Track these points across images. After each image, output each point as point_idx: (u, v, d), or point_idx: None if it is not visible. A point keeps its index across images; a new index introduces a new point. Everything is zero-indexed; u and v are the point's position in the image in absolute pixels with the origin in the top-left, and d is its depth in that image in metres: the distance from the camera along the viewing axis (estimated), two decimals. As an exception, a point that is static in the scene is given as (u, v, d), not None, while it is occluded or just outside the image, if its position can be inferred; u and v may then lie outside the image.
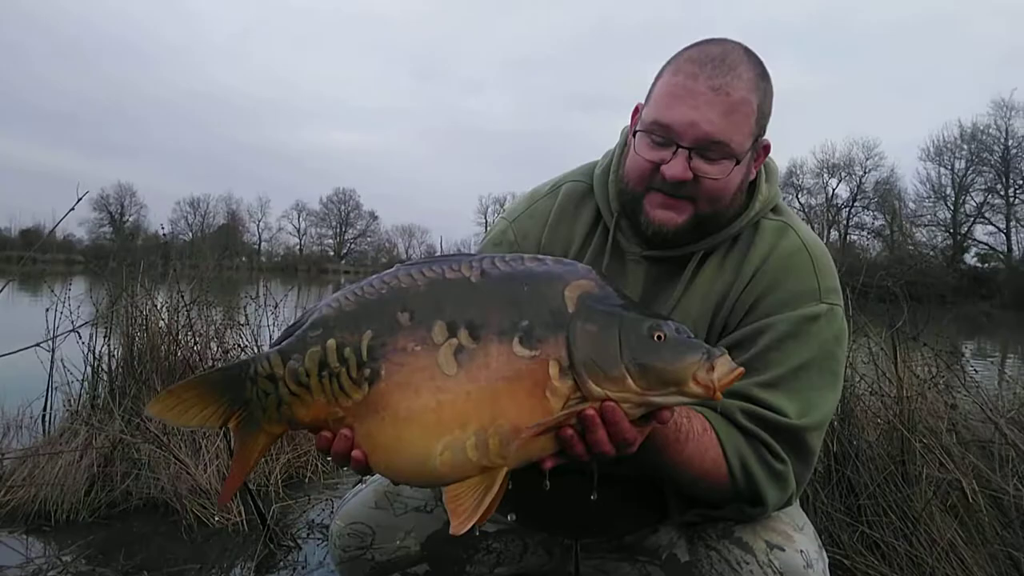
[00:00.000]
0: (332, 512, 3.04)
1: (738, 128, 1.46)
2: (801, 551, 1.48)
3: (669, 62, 1.54)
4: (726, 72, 1.45)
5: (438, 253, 1.29)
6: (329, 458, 1.25)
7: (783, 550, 1.47)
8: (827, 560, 1.55)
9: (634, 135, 1.53)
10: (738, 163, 1.48)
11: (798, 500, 1.71)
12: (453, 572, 1.88)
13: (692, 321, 1.54)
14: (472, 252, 1.30)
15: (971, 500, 2.49)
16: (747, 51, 1.51)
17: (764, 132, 1.55)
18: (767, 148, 1.58)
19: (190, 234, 69.57)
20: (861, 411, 2.78)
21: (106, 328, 3.64)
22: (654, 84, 1.55)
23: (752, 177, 1.58)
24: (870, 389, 2.90)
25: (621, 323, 1.17)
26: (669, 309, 1.57)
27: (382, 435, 1.18)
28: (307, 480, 3.46)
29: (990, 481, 2.63)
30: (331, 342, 1.20)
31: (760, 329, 1.50)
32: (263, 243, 75.00)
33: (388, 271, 1.27)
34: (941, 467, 2.60)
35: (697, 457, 1.40)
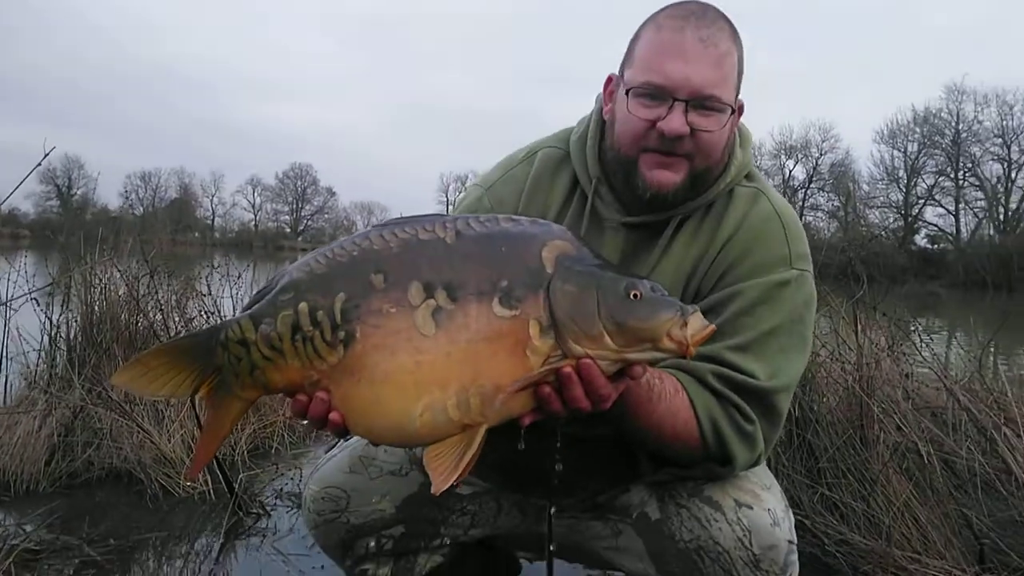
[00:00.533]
0: (300, 480, 3.03)
1: (726, 80, 1.49)
2: (769, 509, 1.52)
3: (646, 23, 1.54)
4: (710, 24, 1.47)
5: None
6: (305, 421, 1.24)
7: (751, 508, 1.51)
8: (793, 519, 1.60)
9: (626, 94, 1.52)
10: (732, 113, 1.51)
11: (765, 461, 1.76)
12: (428, 534, 1.89)
13: (667, 286, 1.56)
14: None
15: (926, 463, 2.59)
16: (718, 8, 1.53)
17: (740, 90, 1.57)
18: (742, 108, 1.60)
19: (141, 208, 67.96)
20: (822, 377, 2.86)
21: (64, 296, 3.56)
22: (633, 46, 1.56)
23: (733, 138, 1.60)
24: (831, 356, 2.98)
25: (599, 283, 1.19)
26: (646, 275, 1.59)
27: (360, 398, 1.18)
28: (273, 450, 3.44)
29: (943, 445, 2.73)
30: (303, 305, 1.19)
31: (732, 294, 1.53)
32: (217, 218, 73.46)
33: (358, 233, 1.26)
34: (898, 431, 2.69)
35: (669, 417, 1.43)
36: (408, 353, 1.15)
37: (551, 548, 1.73)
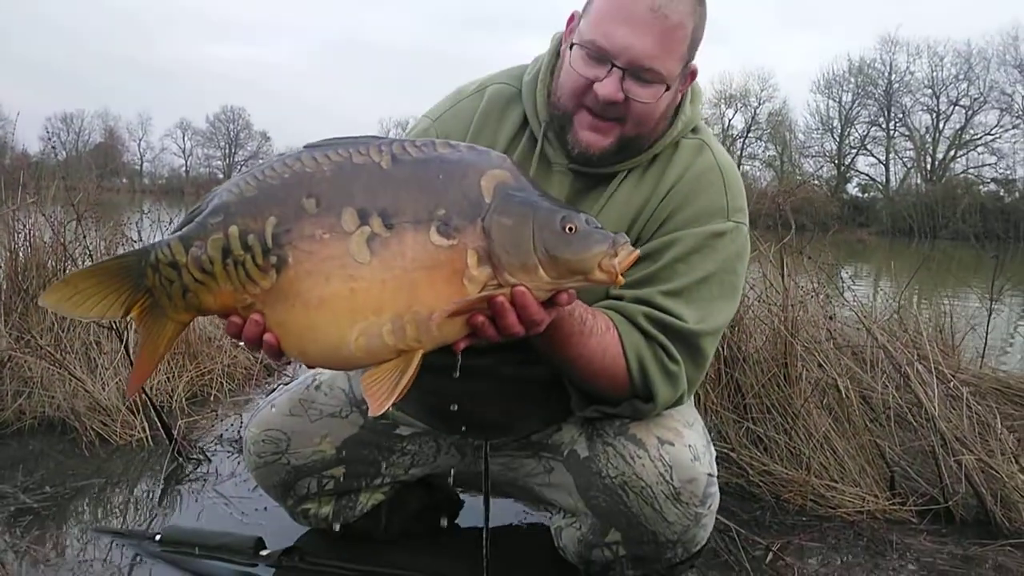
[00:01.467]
0: (241, 426, 3.03)
1: (671, 54, 1.48)
2: (689, 445, 1.59)
3: None
4: None
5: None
6: (240, 343, 1.25)
7: (672, 445, 1.58)
8: (714, 454, 1.68)
9: (570, 48, 1.53)
10: (668, 88, 1.51)
11: (692, 400, 1.84)
12: (369, 474, 1.94)
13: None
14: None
15: (844, 398, 2.73)
16: None
17: (694, 57, 1.57)
18: (694, 73, 1.61)
19: (64, 153, 64.77)
20: (750, 319, 2.97)
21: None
22: None
23: (677, 102, 1.62)
24: (758, 298, 3.09)
25: (535, 215, 1.21)
26: None
27: (294, 322, 1.19)
28: (212, 397, 3.41)
29: (861, 381, 2.89)
30: (233, 228, 1.19)
31: (669, 242, 1.58)
32: (145, 164, 70.58)
33: (289, 153, 1.24)
34: (819, 369, 2.82)
35: (599, 352, 1.48)
36: (342, 280, 1.16)
37: (487, 486, 1.80)
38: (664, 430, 1.60)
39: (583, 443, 1.70)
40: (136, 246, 3.87)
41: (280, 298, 1.19)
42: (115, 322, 3.01)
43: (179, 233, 1.23)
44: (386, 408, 1.20)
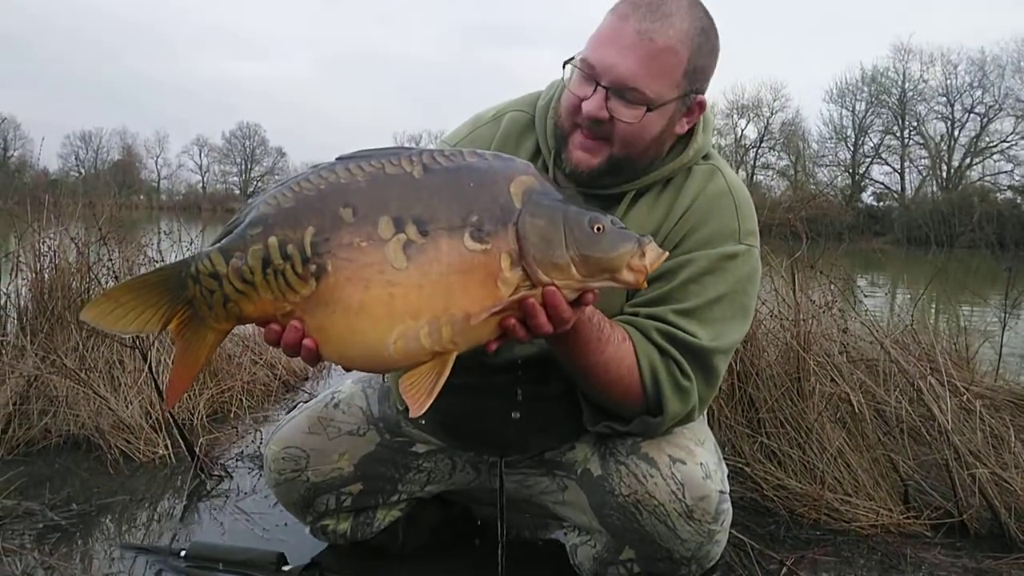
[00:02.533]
0: (261, 443, 3.08)
1: (657, 77, 1.51)
2: (701, 463, 1.62)
3: (614, 4, 1.58)
4: (657, 19, 1.49)
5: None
6: (279, 349, 1.29)
7: (684, 463, 1.61)
8: (726, 471, 1.70)
9: (567, 68, 1.59)
10: (651, 110, 1.53)
11: (705, 417, 1.87)
12: (386, 491, 1.98)
13: None
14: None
15: (857, 411, 2.73)
16: (693, 4, 1.54)
17: (700, 88, 1.60)
18: (702, 105, 1.64)
19: (82, 171, 65.57)
20: (762, 333, 2.99)
21: (13, 265, 3.50)
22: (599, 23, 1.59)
23: (681, 131, 1.65)
24: (770, 313, 3.11)
25: (566, 217, 1.26)
26: None
27: (334, 327, 1.23)
28: (232, 414, 3.47)
29: (875, 394, 2.89)
30: (272, 239, 1.23)
31: (683, 263, 1.61)
32: (163, 181, 71.26)
33: (322, 165, 1.28)
34: (832, 383, 2.83)
35: (615, 361, 1.52)
36: (381, 285, 1.21)
37: (502, 502, 1.83)
38: (676, 448, 1.63)
39: (596, 461, 1.73)
40: (157, 265, 3.96)
41: (320, 305, 1.23)
42: (138, 340, 3.08)
43: (219, 245, 1.27)
44: (426, 408, 1.24)
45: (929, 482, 2.67)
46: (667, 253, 1.34)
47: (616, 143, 1.57)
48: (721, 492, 1.62)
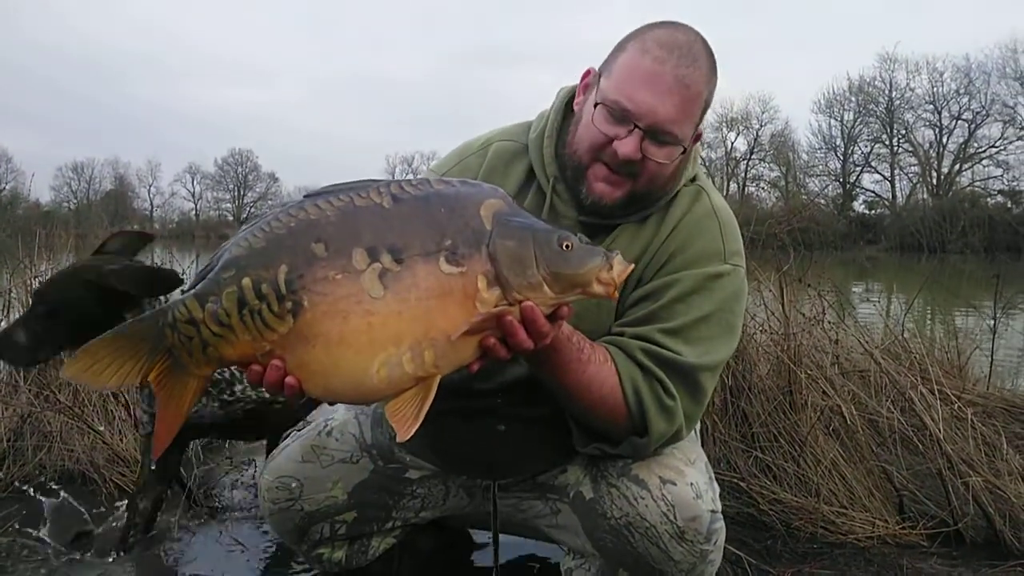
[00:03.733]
0: (256, 473, 3.07)
1: (689, 120, 1.57)
2: (691, 484, 1.62)
3: (635, 37, 1.59)
4: (691, 63, 1.53)
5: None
6: (262, 390, 1.30)
7: (675, 484, 1.61)
8: (718, 489, 1.70)
9: (594, 106, 1.59)
10: (684, 151, 1.59)
11: (697, 436, 1.87)
12: (380, 518, 1.97)
13: None
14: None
15: (850, 423, 2.75)
16: (704, 42, 1.59)
17: (702, 120, 1.64)
18: (699, 136, 1.69)
19: (75, 201, 65.62)
20: (753, 348, 3.00)
21: (5, 301, 3.50)
22: (615, 56, 1.61)
23: (687, 161, 1.69)
24: (760, 328, 3.12)
25: (535, 236, 1.29)
26: None
27: (316, 361, 1.24)
28: (227, 443, 3.46)
29: (867, 406, 2.91)
30: (246, 280, 1.23)
31: (669, 283, 1.63)
32: (156, 209, 71.20)
33: (290, 203, 1.30)
34: (824, 395, 2.85)
35: (596, 382, 1.53)
36: (360, 315, 1.21)
37: (496, 526, 1.83)
38: (666, 469, 1.63)
39: (588, 484, 1.74)
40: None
41: (299, 341, 1.23)
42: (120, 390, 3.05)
43: (194, 291, 1.28)
44: (412, 433, 1.25)
45: (924, 492, 2.68)
46: (633, 265, 1.36)
47: (642, 180, 1.61)
48: (712, 512, 1.62)
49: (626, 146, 1.55)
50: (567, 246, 1.29)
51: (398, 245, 1.23)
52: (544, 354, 1.40)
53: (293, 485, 1.92)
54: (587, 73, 1.69)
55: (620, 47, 1.61)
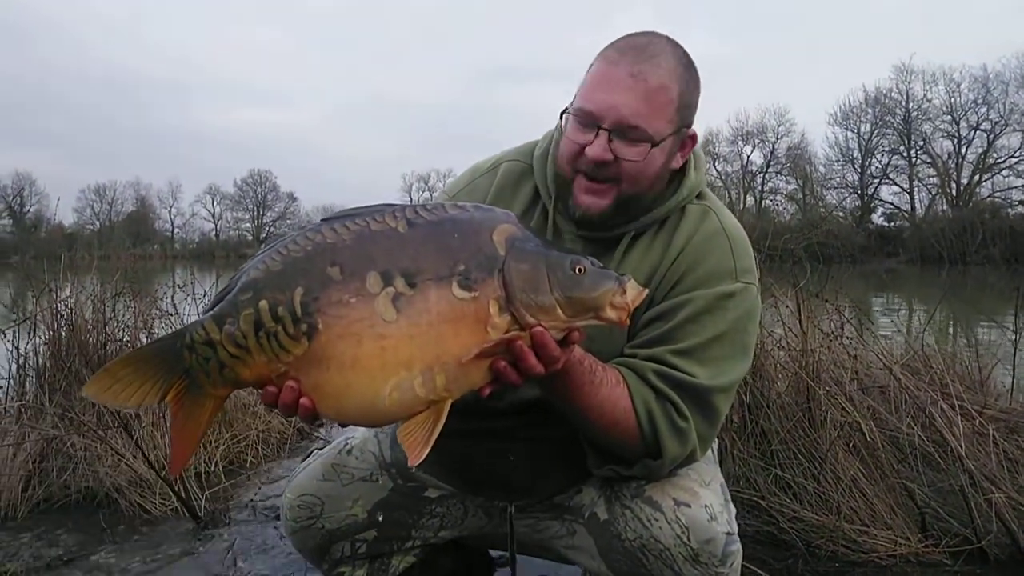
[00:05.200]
0: (273, 492, 3.10)
1: (655, 113, 1.56)
2: (706, 506, 1.59)
3: (600, 53, 1.62)
4: (646, 60, 1.55)
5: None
6: (276, 411, 1.31)
7: (689, 506, 1.59)
8: (734, 511, 1.67)
9: (565, 116, 1.62)
10: (654, 146, 1.57)
11: (715, 457, 1.86)
12: (400, 536, 1.98)
13: None
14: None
15: (870, 440, 2.73)
16: (672, 43, 1.60)
17: (689, 122, 1.64)
18: (694, 138, 1.68)
19: (97, 223, 66.60)
20: (771, 364, 2.99)
21: (31, 325, 3.56)
22: (586, 73, 1.64)
23: (677, 165, 1.68)
24: (778, 344, 3.11)
25: (548, 261, 1.30)
26: None
27: (329, 384, 1.25)
28: (248, 464, 3.50)
29: (887, 422, 2.88)
30: (263, 303, 1.25)
31: (680, 303, 1.62)
32: (176, 230, 72.19)
33: (308, 227, 1.31)
34: (843, 411, 2.82)
35: (609, 404, 1.52)
36: (373, 339, 1.22)
37: (513, 547, 1.83)
38: (680, 491, 1.62)
39: (602, 506, 1.73)
40: (171, 318, 4.02)
41: (313, 363, 1.25)
42: (120, 416, 3.08)
43: (211, 313, 1.30)
44: (423, 457, 1.26)
45: (946, 509, 2.64)
46: (647, 290, 1.37)
47: (623, 182, 1.60)
48: (728, 534, 1.60)
49: (594, 148, 1.56)
50: (580, 269, 1.30)
51: (411, 269, 1.25)
52: (556, 378, 1.41)
53: (314, 503, 1.94)
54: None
55: (590, 65, 1.63)
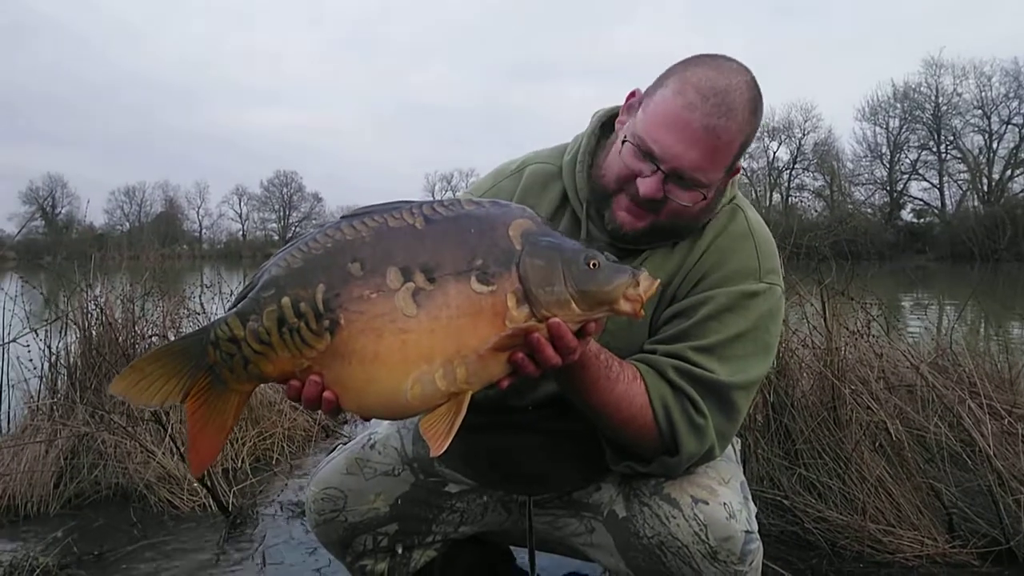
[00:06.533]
0: (299, 488, 3.14)
1: (716, 166, 1.55)
2: (724, 503, 1.59)
3: (675, 73, 1.56)
4: (724, 113, 1.50)
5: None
6: (300, 405, 1.33)
7: (707, 504, 1.58)
8: (754, 510, 1.66)
9: (622, 140, 1.60)
10: (706, 197, 1.58)
11: (737, 455, 1.85)
12: (421, 531, 2.00)
13: None
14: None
15: (896, 439, 2.69)
16: (750, 84, 1.54)
17: (741, 158, 1.62)
18: (738, 170, 1.67)
19: (127, 224, 67.67)
20: (795, 363, 2.96)
21: (63, 324, 3.64)
22: (655, 89, 1.58)
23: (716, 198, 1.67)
24: (802, 342, 3.08)
25: (563, 255, 1.31)
26: None
27: (352, 378, 1.27)
28: (274, 460, 3.54)
29: (914, 421, 2.84)
30: (285, 300, 1.27)
31: (702, 300, 1.62)
32: (204, 230, 73.15)
33: (327, 224, 1.33)
34: (869, 411, 2.79)
35: (626, 400, 1.52)
36: (394, 333, 1.24)
37: (532, 542, 1.84)
38: (698, 488, 1.62)
39: (621, 503, 1.73)
40: (199, 317, 4.08)
41: (336, 358, 1.27)
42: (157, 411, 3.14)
43: (235, 310, 1.32)
44: (444, 448, 1.28)
45: (974, 509, 2.60)
46: (659, 281, 1.36)
47: (664, 215, 1.60)
48: (747, 532, 1.59)
49: (647, 185, 1.55)
50: (594, 264, 1.31)
51: (431, 264, 1.27)
52: (572, 372, 1.42)
53: (337, 496, 1.96)
54: (632, 94, 1.68)
55: (661, 80, 1.59)
